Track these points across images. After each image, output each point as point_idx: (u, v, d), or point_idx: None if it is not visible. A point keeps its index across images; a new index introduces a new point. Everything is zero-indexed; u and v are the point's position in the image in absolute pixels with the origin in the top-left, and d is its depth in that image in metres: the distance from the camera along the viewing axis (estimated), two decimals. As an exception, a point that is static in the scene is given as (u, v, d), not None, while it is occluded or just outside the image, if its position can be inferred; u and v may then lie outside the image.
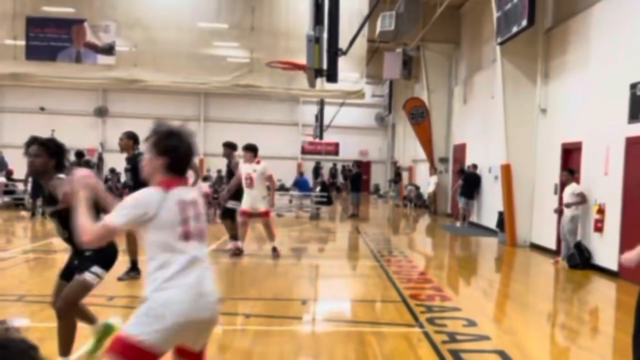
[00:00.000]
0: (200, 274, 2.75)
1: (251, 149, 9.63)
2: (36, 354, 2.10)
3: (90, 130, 30.85)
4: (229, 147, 10.15)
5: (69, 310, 4.28)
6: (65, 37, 16.45)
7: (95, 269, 4.13)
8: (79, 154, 15.63)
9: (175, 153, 2.79)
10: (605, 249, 9.48)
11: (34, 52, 16.58)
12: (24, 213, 16.04)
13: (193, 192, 2.91)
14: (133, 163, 7.57)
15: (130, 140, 7.78)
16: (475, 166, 16.58)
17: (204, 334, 2.86)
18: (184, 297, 2.68)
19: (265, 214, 9.74)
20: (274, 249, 9.77)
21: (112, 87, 25.45)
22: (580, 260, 9.77)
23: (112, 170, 19.31)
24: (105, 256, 4.17)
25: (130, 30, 16.55)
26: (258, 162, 9.62)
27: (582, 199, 9.89)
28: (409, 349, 5.17)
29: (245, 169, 9.54)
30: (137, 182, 7.37)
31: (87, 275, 4.11)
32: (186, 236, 2.75)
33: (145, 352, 2.63)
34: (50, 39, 16.56)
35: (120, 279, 7.40)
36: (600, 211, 9.63)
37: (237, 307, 6.50)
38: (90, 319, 4.59)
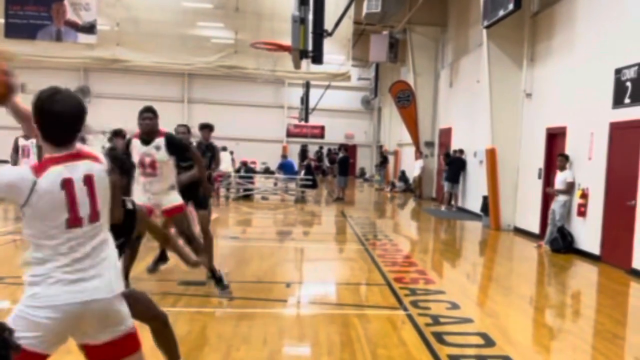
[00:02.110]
0: None
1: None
2: (10, 337, 2.04)
3: (72, 110, 30.34)
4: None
5: None
6: (45, 15, 16.06)
7: None
8: None
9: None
10: (588, 233, 9.57)
11: (13, 30, 16.16)
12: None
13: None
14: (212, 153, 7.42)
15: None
16: (461, 151, 16.62)
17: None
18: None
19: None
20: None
21: (93, 67, 25.01)
22: (562, 244, 9.85)
23: (95, 152, 19.02)
24: None
25: (111, 8, 16.20)
26: None
27: (569, 189, 9.95)
28: (392, 331, 5.18)
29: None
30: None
31: None
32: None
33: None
34: (30, 16, 16.15)
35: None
36: (584, 195, 9.70)
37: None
38: None
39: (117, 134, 9.51)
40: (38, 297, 2.36)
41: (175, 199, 5.82)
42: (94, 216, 2.47)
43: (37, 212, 2.34)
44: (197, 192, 6.52)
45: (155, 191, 5.77)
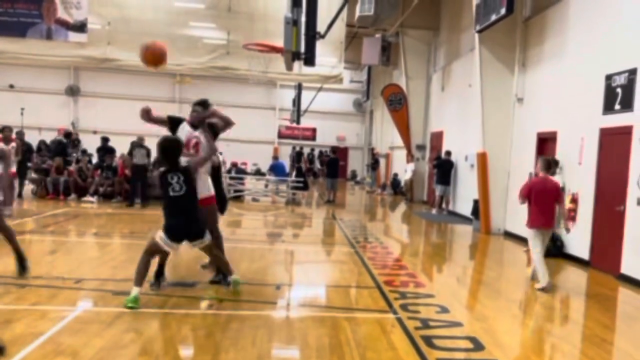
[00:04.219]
0: None
1: None
2: None
3: (61, 109, 30.16)
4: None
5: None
6: (36, 13, 15.97)
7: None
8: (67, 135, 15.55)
9: None
10: (577, 238, 9.61)
11: (3, 28, 16.07)
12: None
13: None
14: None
15: None
16: (448, 153, 16.68)
17: None
18: None
19: None
20: None
21: (84, 66, 24.87)
22: (552, 248, 9.88)
23: (84, 152, 18.92)
24: None
25: (103, 7, 16.13)
26: None
27: None
28: (382, 335, 5.16)
29: None
30: None
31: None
32: None
33: None
34: (20, 14, 16.06)
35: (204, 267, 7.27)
36: (573, 200, 9.75)
37: (210, 291, 6.41)
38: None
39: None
40: None
41: (206, 191, 6.30)
42: None
43: None
44: None
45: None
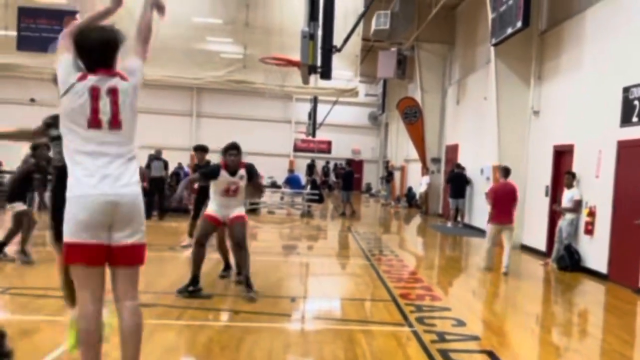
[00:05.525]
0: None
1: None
2: (2, 340, 2.08)
3: (81, 123, 30.58)
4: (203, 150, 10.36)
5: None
6: (58, 29, 16.27)
7: None
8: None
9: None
10: (595, 252, 9.51)
11: (25, 43, 16.41)
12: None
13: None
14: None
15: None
16: (458, 165, 16.61)
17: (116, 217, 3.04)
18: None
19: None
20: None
21: (103, 80, 25.25)
22: (569, 262, 9.79)
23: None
24: None
25: (121, 22, 16.41)
26: None
27: (576, 208, 9.90)
28: (397, 348, 5.15)
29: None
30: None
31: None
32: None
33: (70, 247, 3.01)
34: (42, 29, 16.40)
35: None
36: (591, 214, 9.65)
37: (226, 303, 6.45)
38: None
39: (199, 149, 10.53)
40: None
41: (241, 209, 6.80)
42: (115, 123, 3.08)
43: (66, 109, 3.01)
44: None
45: (232, 207, 6.69)
